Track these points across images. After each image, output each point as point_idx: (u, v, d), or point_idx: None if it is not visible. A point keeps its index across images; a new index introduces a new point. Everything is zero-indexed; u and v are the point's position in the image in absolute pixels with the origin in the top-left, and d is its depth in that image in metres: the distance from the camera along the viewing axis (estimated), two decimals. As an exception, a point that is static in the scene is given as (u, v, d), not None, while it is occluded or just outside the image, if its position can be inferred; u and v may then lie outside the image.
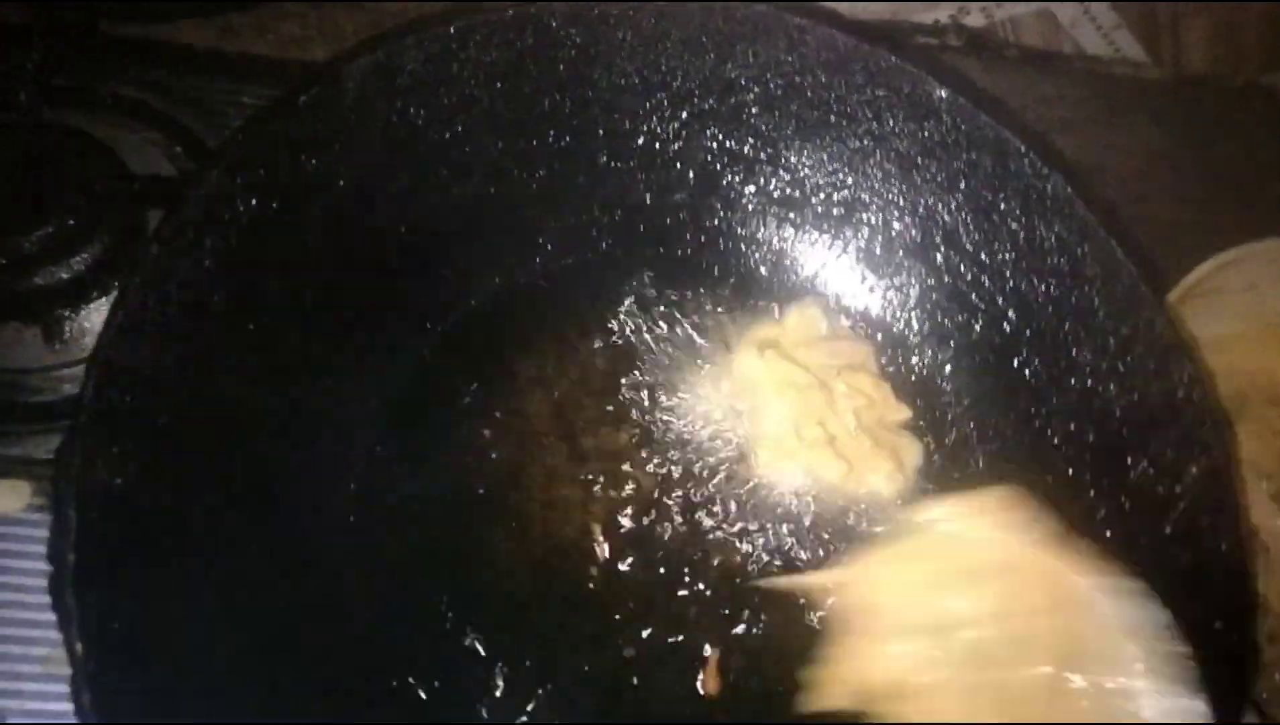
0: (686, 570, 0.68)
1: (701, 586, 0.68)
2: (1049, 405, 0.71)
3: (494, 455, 0.70)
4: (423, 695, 0.62)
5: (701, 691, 0.65)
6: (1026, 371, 0.72)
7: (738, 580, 0.68)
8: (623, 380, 0.74)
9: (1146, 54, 1.11)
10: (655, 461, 0.72)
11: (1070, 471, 0.70)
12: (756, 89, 0.72)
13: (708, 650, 0.65)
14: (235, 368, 0.59)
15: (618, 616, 0.66)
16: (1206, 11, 1.09)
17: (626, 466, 0.71)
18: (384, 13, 1.00)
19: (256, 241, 0.61)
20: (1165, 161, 1.05)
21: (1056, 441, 0.71)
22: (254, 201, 0.60)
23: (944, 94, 0.69)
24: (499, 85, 0.68)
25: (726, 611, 0.67)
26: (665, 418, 0.73)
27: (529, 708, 0.62)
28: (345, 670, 0.60)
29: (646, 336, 0.75)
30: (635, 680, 0.65)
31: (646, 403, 0.74)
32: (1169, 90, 1.11)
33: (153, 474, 0.53)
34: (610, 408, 0.73)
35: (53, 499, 0.48)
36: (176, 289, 0.56)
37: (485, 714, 0.62)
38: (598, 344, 0.75)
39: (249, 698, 0.53)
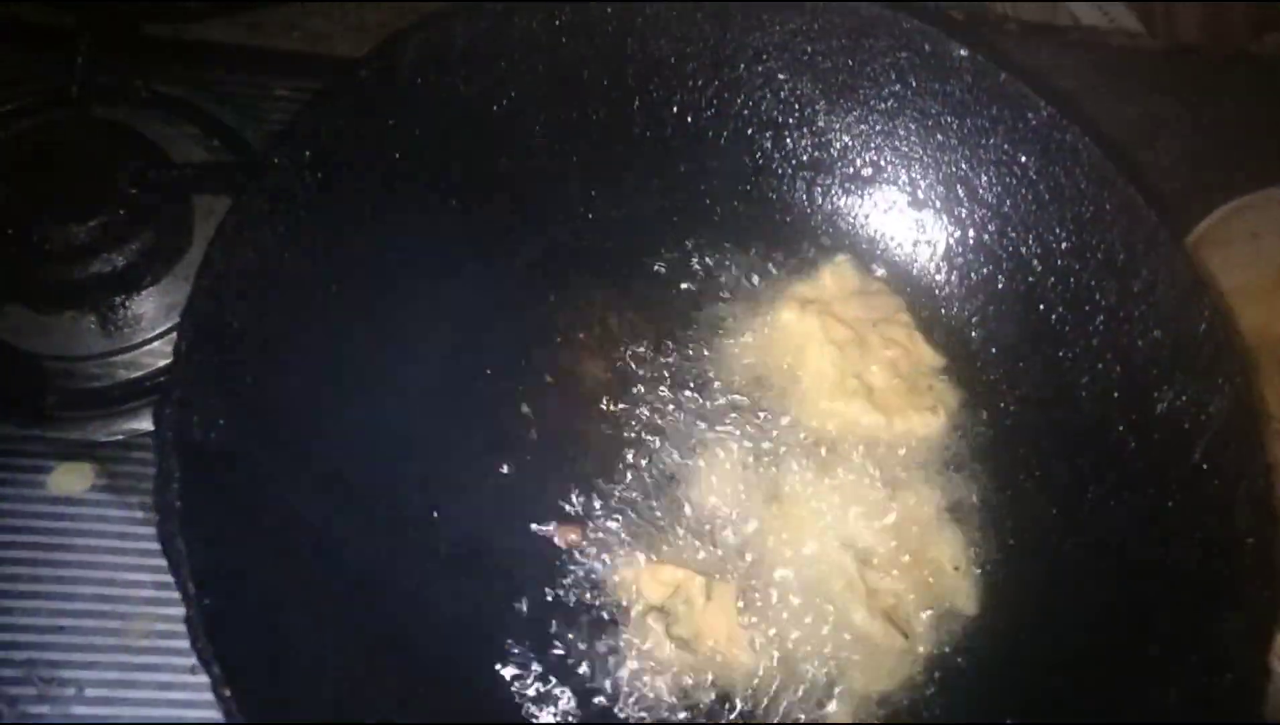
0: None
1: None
2: (1075, 348, 0.74)
3: (540, 408, 0.73)
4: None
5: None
6: (1052, 316, 0.75)
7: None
8: (663, 337, 0.77)
9: (1141, 24, 1.14)
10: (705, 403, 0.74)
11: (1098, 409, 0.73)
12: (784, 56, 0.76)
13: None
14: (309, 325, 0.62)
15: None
16: (1197, -20, 1.13)
17: (663, 410, 0.74)
18: (408, 5, 1.03)
19: (321, 209, 0.63)
20: (1162, 126, 1.09)
21: (1084, 380, 0.74)
22: (320, 174, 0.63)
23: (964, 53, 0.72)
24: (541, 59, 0.72)
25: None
26: (707, 370, 0.76)
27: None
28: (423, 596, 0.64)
29: (685, 295, 0.78)
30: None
31: (685, 357, 0.76)
32: (1163, 58, 1.14)
33: (242, 426, 0.56)
34: (648, 363, 0.76)
35: (155, 451, 0.51)
36: (253, 254, 0.59)
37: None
38: (638, 303, 0.77)
39: (345, 627, 0.56)
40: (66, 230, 0.77)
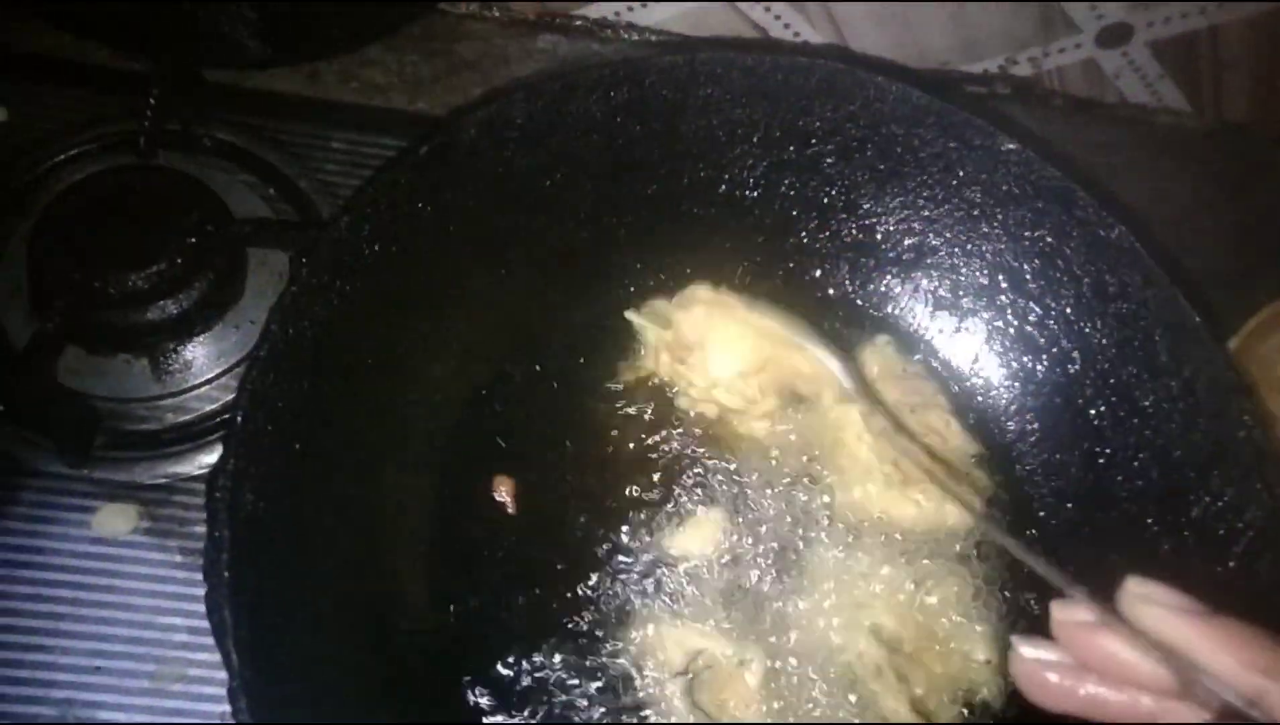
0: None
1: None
2: (1112, 444, 0.74)
3: (576, 469, 0.75)
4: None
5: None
6: (1090, 412, 0.75)
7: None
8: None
9: (1188, 103, 1.14)
10: (741, 477, 0.75)
11: (1133, 508, 0.72)
12: (834, 141, 0.77)
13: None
14: (360, 395, 0.64)
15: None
16: (1247, 61, 1.13)
17: (697, 478, 0.76)
18: (460, 60, 1.05)
19: (376, 280, 0.65)
20: (1208, 208, 1.09)
21: (1119, 478, 0.73)
22: (377, 246, 0.65)
23: (1013, 146, 0.73)
24: (596, 137, 0.73)
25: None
26: (744, 445, 0.76)
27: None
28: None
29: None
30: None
31: (723, 434, 0.77)
32: (1211, 138, 1.14)
33: (290, 494, 0.57)
34: (684, 437, 0.77)
35: (207, 521, 0.52)
36: (310, 326, 0.60)
37: None
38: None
39: (384, 701, 0.57)
40: (126, 277, 0.79)
